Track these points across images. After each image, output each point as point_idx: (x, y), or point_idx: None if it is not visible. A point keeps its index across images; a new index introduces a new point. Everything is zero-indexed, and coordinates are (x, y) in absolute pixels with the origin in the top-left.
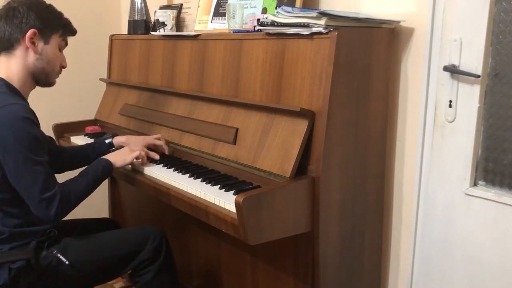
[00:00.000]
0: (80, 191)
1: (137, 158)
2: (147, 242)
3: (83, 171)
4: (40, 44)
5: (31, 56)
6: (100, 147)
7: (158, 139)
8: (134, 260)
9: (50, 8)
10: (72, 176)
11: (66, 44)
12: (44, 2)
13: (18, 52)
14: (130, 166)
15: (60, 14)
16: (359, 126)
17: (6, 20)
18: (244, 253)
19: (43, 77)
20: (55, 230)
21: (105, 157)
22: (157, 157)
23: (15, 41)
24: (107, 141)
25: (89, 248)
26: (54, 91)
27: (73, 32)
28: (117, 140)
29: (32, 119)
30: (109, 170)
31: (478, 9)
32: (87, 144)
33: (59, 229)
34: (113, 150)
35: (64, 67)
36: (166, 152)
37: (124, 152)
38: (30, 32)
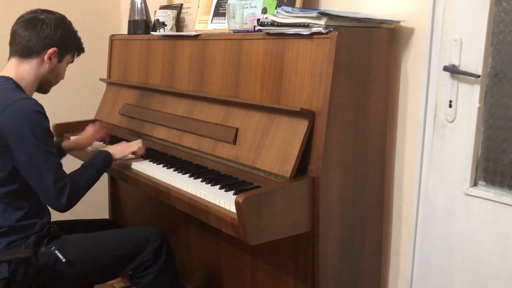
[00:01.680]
0: (86, 181)
1: (133, 152)
2: (148, 243)
3: (86, 162)
4: (55, 61)
5: (44, 69)
6: None
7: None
8: (134, 261)
9: (71, 27)
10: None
11: (72, 62)
12: (66, 19)
13: (33, 61)
14: (128, 164)
15: (76, 34)
16: (359, 126)
17: (33, 30)
18: (244, 253)
19: (45, 86)
20: (55, 225)
21: (105, 149)
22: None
23: (35, 52)
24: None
25: (88, 247)
26: (54, 91)
27: (83, 52)
28: (67, 145)
29: (43, 113)
30: (109, 162)
31: (478, 9)
32: None
33: (59, 227)
34: (63, 155)
35: (61, 78)
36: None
37: (122, 145)
38: (51, 50)
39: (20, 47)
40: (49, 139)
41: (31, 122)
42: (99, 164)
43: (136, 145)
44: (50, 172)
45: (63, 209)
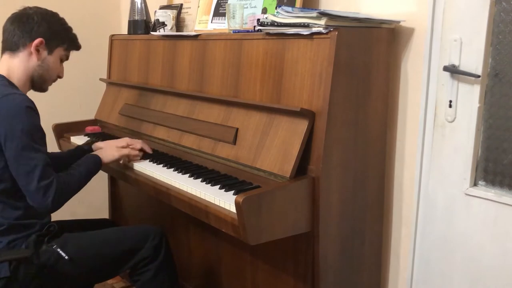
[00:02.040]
0: (74, 182)
1: (124, 155)
2: (147, 240)
3: (75, 164)
4: (44, 53)
5: (33, 62)
6: (82, 153)
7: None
8: (133, 258)
9: (62, 21)
10: None
11: (67, 58)
12: (58, 15)
13: (22, 54)
14: (128, 164)
15: (69, 29)
16: (359, 126)
17: (19, 24)
18: (244, 253)
19: (39, 82)
20: (55, 224)
21: (94, 153)
22: (141, 154)
23: (22, 45)
24: (86, 147)
25: (89, 244)
26: (54, 91)
27: (77, 47)
28: (96, 146)
29: (34, 109)
30: (99, 165)
31: (478, 9)
32: (68, 150)
33: (59, 227)
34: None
35: (60, 77)
36: (149, 151)
37: (112, 149)
38: (37, 40)
39: (9, 42)
40: (37, 135)
41: (19, 117)
42: (89, 167)
43: (126, 149)
44: (36, 169)
45: (48, 209)
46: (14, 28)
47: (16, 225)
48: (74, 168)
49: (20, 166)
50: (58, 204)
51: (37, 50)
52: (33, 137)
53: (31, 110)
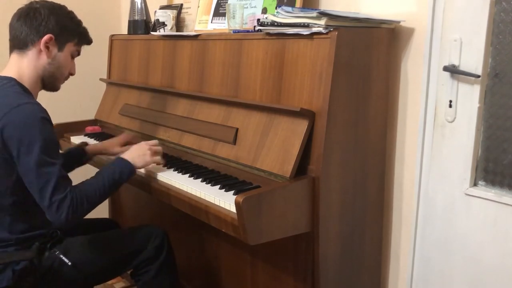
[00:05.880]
0: (94, 194)
1: (155, 160)
2: (148, 241)
3: (98, 172)
4: (54, 50)
5: (43, 60)
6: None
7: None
8: (135, 259)
9: (71, 15)
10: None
11: (79, 53)
12: (66, 8)
13: (31, 53)
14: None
15: (79, 22)
16: (359, 126)
17: (25, 20)
18: (244, 253)
19: (51, 81)
20: (58, 231)
21: (123, 156)
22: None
23: (30, 42)
24: (79, 150)
25: (91, 248)
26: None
27: (88, 41)
28: (92, 149)
29: (48, 119)
30: (129, 173)
31: (478, 9)
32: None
33: (60, 230)
34: (86, 160)
35: (72, 74)
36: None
37: (141, 151)
38: (46, 37)
39: (17, 40)
40: (51, 147)
41: (33, 130)
42: (114, 175)
43: (154, 152)
44: (48, 184)
45: (63, 224)
46: (21, 25)
47: (23, 239)
48: (97, 177)
49: (34, 180)
50: (73, 218)
51: (47, 47)
52: (48, 151)
53: (46, 121)
